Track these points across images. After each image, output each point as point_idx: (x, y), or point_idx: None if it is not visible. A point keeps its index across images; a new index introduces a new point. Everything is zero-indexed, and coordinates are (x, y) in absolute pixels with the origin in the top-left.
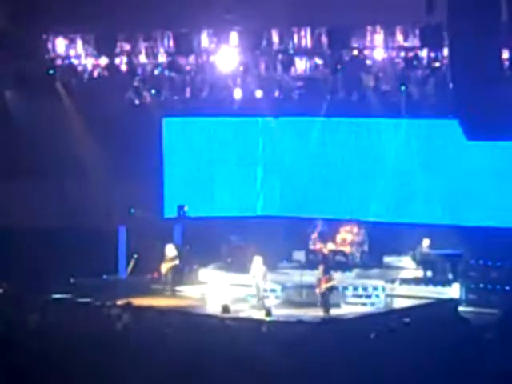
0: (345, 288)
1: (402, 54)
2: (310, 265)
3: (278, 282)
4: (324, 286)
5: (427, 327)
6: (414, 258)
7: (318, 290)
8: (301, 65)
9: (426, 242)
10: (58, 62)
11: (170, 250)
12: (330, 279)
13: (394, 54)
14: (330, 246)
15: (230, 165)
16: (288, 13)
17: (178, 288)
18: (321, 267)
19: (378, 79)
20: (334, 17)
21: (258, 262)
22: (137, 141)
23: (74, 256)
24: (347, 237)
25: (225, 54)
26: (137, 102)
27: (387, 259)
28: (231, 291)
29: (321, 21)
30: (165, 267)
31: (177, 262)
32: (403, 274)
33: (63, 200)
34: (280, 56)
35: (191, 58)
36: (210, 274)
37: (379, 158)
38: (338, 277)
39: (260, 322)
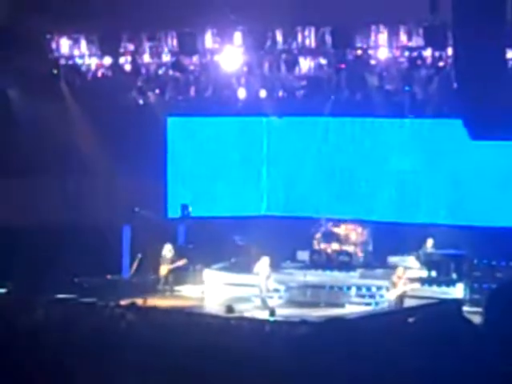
0: (348, 288)
1: (406, 53)
2: (313, 265)
3: (282, 282)
4: (405, 287)
5: (431, 327)
6: (418, 258)
7: (396, 293)
8: (305, 64)
9: (430, 242)
10: (62, 61)
11: (167, 250)
12: (410, 280)
13: (397, 53)
14: (334, 246)
15: (234, 164)
16: (292, 12)
17: (177, 288)
18: (401, 269)
19: (382, 79)
20: (338, 16)
21: (264, 262)
22: (141, 140)
23: (77, 255)
24: (351, 235)
25: (229, 54)
26: (141, 101)
27: (391, 259)
28: (233, 291)
29: (325, 20)
30: (164, 269)
31: (181, 263)
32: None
33: (67, 199)
34: (284, 56)
35: (195, 58)
36: (213, 274)
37: (383, 157)
38: (341, 276)
39: (264, 322)
